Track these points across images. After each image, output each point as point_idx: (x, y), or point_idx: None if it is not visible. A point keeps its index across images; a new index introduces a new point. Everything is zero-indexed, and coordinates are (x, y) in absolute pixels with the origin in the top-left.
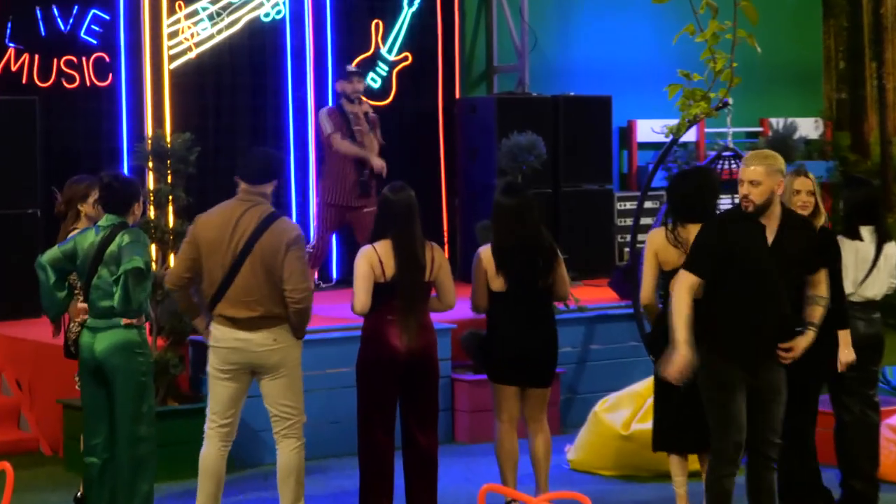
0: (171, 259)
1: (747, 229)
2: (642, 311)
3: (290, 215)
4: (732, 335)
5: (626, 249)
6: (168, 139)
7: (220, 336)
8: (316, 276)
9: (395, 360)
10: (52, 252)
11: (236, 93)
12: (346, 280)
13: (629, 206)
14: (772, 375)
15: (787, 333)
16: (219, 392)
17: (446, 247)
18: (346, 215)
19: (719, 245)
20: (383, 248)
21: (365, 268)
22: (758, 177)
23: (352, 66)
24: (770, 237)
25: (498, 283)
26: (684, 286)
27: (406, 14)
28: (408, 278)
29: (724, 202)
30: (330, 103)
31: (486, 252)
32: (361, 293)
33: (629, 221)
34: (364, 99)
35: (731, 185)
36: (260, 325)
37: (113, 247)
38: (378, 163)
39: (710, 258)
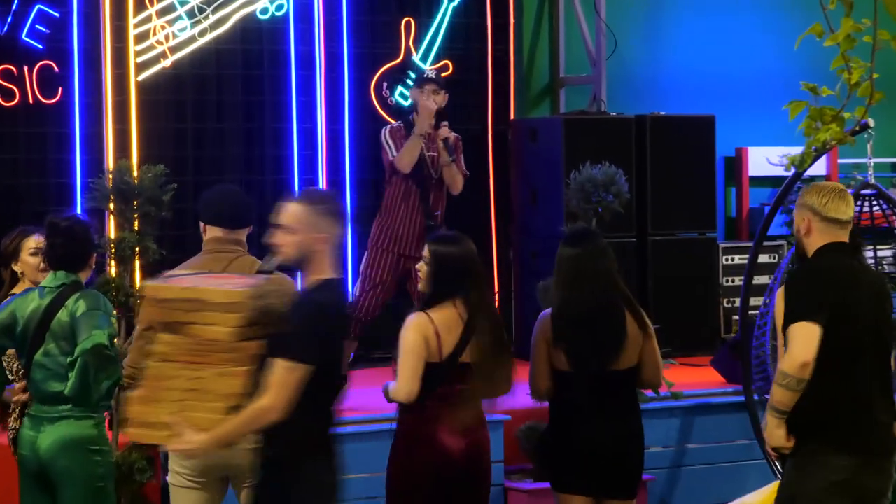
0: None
1: None
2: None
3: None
4: None
5: (735, 317)
6: (135, 173)
7: None
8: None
9: (447, 466)
10: None
11: (224, 113)
12: (364, 357)
13: (738, 260)
14: None
15: None
16: None
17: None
18: (404, 265)
19: None
20: (442, 316)
21: (418, 342)
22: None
23: (429, 71)
24: None
25: (561, 360)
26: None
27: (446, 10)
28: (490, 358)
29: (867, 253)
30: (346, 127)
31: (547, 317)
32: (410, 376)
33: (738, 280)
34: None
35: (873, 232)
36: None
37: (63, 315)
38: (443, 132)
39: None
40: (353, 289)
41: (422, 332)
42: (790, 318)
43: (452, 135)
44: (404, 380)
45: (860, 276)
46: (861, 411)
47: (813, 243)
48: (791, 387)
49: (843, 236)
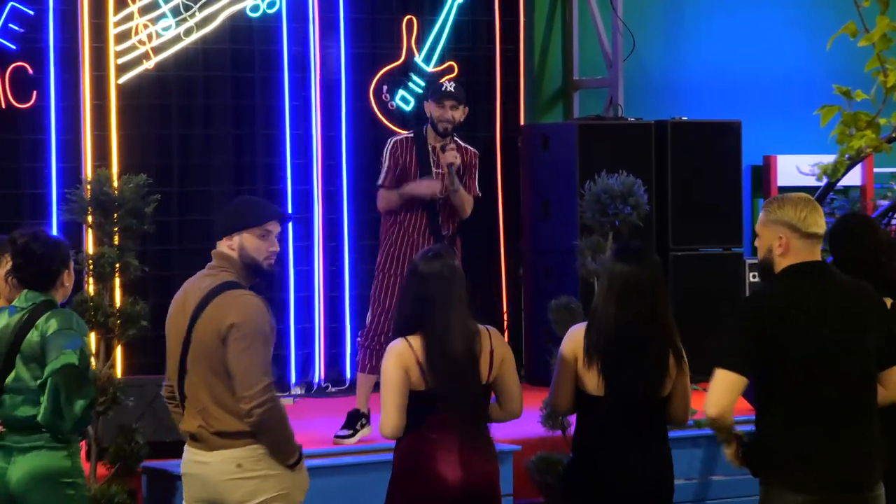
0: (118, 352)
1: None
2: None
3: (287, 292)
4: None
5: None
6: (115, 183)
7: (183, 458)
8: (370, 370)
9: (446, 499)
10: None
11: (211, 118)
12: None
13: None
14: None
15: None
16: None
17: (506, 335)
18: None
19: None
20: (421, 343)
21: (396, 372)
22: (757, 228)
23: (448, 83)
24: None
25: (593, 382)
26: None
27: (451, 8)
28: (455, 387)
29: None
30: (343, 134)
31: (579, 332)
32: (392, 409)
33: None
34: (459, 143)
35: None
36: (219, 442)
37: (34, 335)
38: (433, 186)
39: None
40: (347, 313)
41: (401, 362)
42: (713, 359)
43: (458, 161)
44: (387, 415)
45: (824, 295)
46: (823, 442)
47: (785, 264)
48: (715, 430)
49: (818, 252)
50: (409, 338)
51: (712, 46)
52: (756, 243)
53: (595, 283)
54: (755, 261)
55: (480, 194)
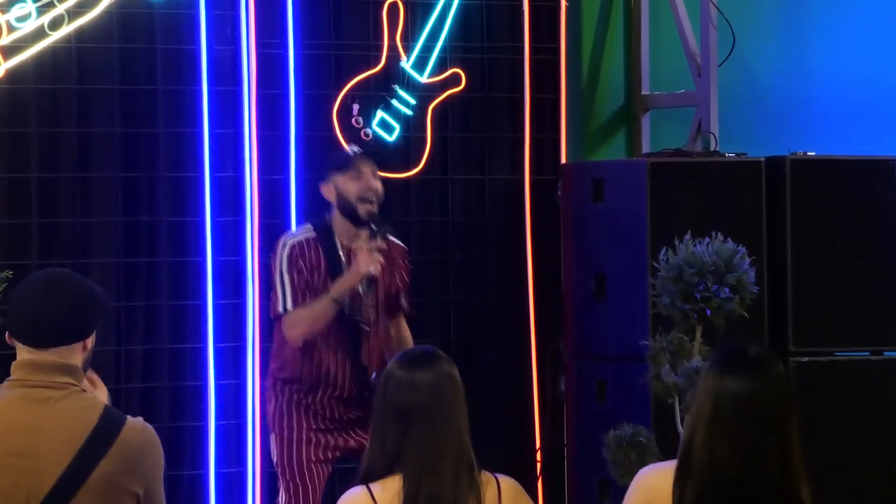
0: None
1: None
2: None
3: (206, 419)
4: None
5: None
6: None
7: None
8: None
9: None
10: None
11: (91, 154)
12: None
13: None
14: None
15: None
16: None
17: (539, 484)
18: (343, 443)
19: None
20: (388, 492)
21: None
22: None
23: (352, 145)
24: None
25: None
26: None
27: None
28: None
29: None
30: (292, 177)
31: (657, 478)
32: None
33: None
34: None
35: None
36: None
37: None
38: (359, 263)
39: None
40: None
41: None
42: None
43: (378, 270)
44: None
45: None
46: None
47: None
48: None
49: None
50: (373, 484)
51: (850, 50)
52: None
53: (676, 404)
54: None
55: (413, 313)
